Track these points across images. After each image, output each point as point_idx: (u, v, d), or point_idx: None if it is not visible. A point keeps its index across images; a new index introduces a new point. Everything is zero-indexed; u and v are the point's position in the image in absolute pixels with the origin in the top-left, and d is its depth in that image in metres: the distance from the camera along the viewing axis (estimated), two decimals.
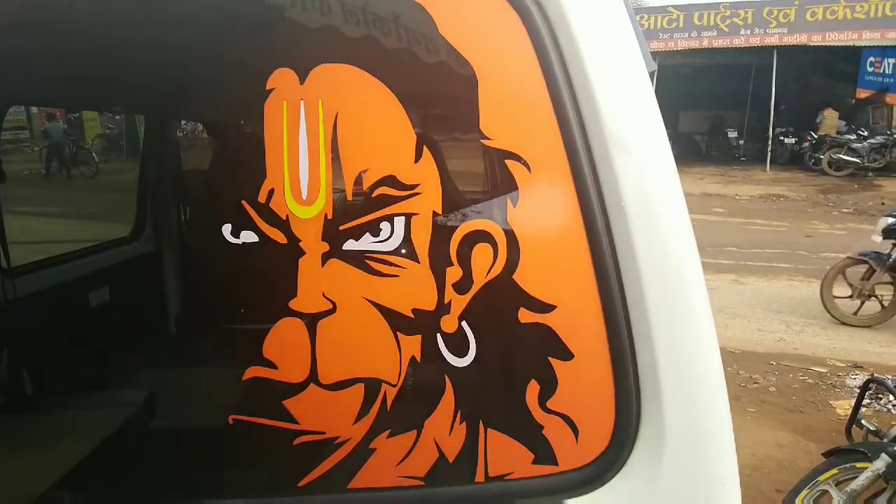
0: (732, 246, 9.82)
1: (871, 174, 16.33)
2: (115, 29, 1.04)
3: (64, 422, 1.37)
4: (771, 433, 4.56)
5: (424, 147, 0.96)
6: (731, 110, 19.09)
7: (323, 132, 0.94)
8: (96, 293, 2.51)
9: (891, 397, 4.84)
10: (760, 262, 9.09)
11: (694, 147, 20.17)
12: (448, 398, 0.98)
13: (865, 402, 4.84)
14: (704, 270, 1.02)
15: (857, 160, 16.29)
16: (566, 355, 0.96)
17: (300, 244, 0.96)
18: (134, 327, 1.96)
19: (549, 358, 0.96)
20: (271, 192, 0.94)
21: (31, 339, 1.67)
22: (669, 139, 1.00)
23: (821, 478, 3.28)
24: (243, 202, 0.95)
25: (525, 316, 0.96)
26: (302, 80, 0.94)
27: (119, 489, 1.03)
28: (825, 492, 3.25)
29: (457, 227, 0.97)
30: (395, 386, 0.98)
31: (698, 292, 0.98)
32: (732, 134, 19.52)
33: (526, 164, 0.95)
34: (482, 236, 0.96)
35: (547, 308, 0.95)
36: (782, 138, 18.03)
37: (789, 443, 4.45)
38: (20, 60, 1.23)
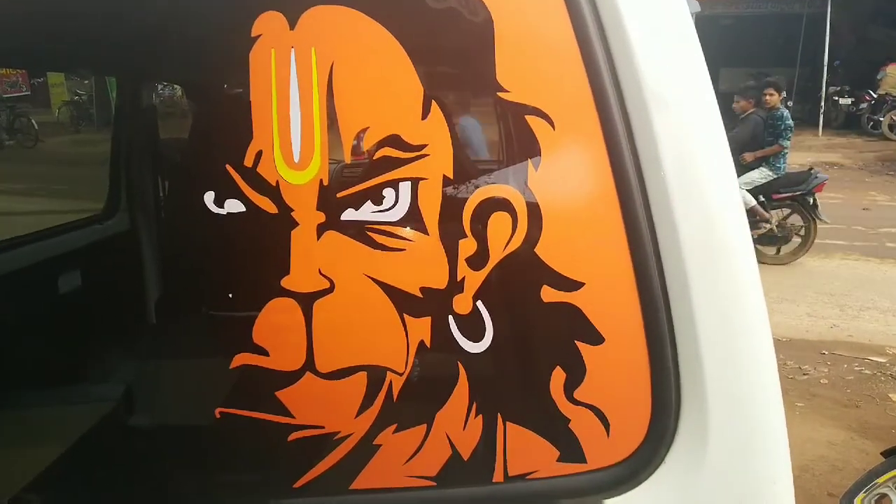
0: None
1: None
2: None
3: (35, 419, 1.38)
4: (822, 430, 4.57)
5: (433, 102, 0.95)
6: (778, 67, 18.79)
7: (317, 85, 0.93)
8: (66, 277, 2.53)
9: None
10: None
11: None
12: (462, 388, 0.98)
13: None
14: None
15: None
16: (596, 339, 0.96)
17: (292, 214, 0.95)
18: (109, 314, 1.98)
19: (577, 342, 0.96)
20: (259, 154, 0.94)
21: None
22: None
23: (879, 479, 3.28)
24: (227, 167, 0.94)
25: (549, 294, 0.95)
26: (292, 25, 0.93)
27: (94, 492, 1.04)
28: (884, 495, 3.25)
29: (470, 193, 0.96)
30: (401, 375, 0.98)
31: (746, 266, 0.97)
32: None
33: (549, 121, 0.93)
34: (500, 204, 0.95)
35: (574, 285, 0.95)
36: (837, 98, 17.82)
37: (843, 441, 4.46)
38: None
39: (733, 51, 19.16)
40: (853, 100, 17.98)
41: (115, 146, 2.99)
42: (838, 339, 6.01)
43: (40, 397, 1.42)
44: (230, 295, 1.03)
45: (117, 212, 2.98)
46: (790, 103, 17.82)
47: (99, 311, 2.16)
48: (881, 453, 3.47)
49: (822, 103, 17.49)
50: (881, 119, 16.59)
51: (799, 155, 15.48)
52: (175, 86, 3.40)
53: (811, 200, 7.86)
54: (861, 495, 3.31)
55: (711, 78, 0.97)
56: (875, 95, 17.27)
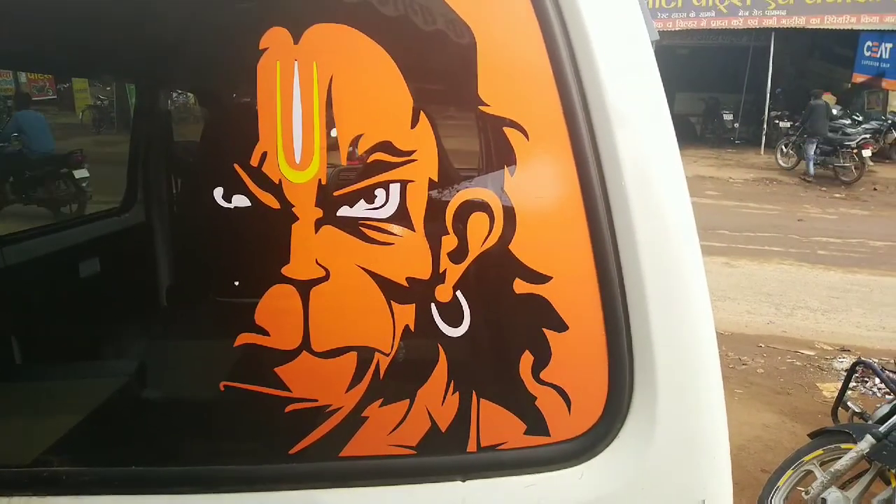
0: (724, 229, 9.86)
1: None
2: None
3: (55, 390, 1.36)
4: (758, 414, 4.62)
5: (421, 112, 0.94)
6: (726, 93, 19.04)
7: (317, 94, 0.92)
8: (87, 263, 2.49)
9: (877, 380, 4.91)
10: (752, 245, 9.14)
11: (689, 129, 20.11)
12: (441, 368, 0.97)
13: (852, 385, 4.90)
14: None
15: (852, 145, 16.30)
16: (561, 326, 0.96)
17: (293, 210, 0.94)
18: (125, 297, 1.95)
19: (544, 329, 0.96)
20: (264, 155, 0.93)
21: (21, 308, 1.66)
22: None
23: (806, 458, 3.33)
24: (235, 165, 0.93)
25: (520, 286, 0.95)
26: (296, 40, 0.92)
27: (110, 455, 1.03)
28: (809, 472, 3.30)
29: (453, 195, 0.95)
30: (388, 355, 0.97)
31: (694, 266, 0.98)
32: (728, 116, 19.48)
33: (524, 133, 0.93)
34: (478, 205, 0.95)
35: (542, 279, 0.95)
36: (777, 122, 18.00)
37: (776, 424, 4.51)
38: (9, 25, 1.20)
39: (688, 77, 19.27)
40: (792, 123, 18.19)
41: (133, 147, 2.95)
42: (773, 334, 6.08)
43: (61, 370, 1.40)
44: (236, 281, 1.02)
45: (134, 205, 2.94)
46: (737, 124, 18.04)
47: (116, 294, 2.13)
48: (808, 435, 3.51)
49: (765, 125, 17.68)
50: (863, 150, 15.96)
51: (742, 171, 15.64)
52: (188, 93, 3.36)
53: None
54: (789, 471, 3.35)
55: (668, 100, 0.98)
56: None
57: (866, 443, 3.01)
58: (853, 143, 13.98)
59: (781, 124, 17.91)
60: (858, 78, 17.81)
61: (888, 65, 16.85)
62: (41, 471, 0.97)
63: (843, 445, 3.20)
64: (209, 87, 1.53)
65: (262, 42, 0.91)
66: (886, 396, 4.66)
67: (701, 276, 0.99)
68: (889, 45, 16.78)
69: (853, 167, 13.96)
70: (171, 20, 1.03)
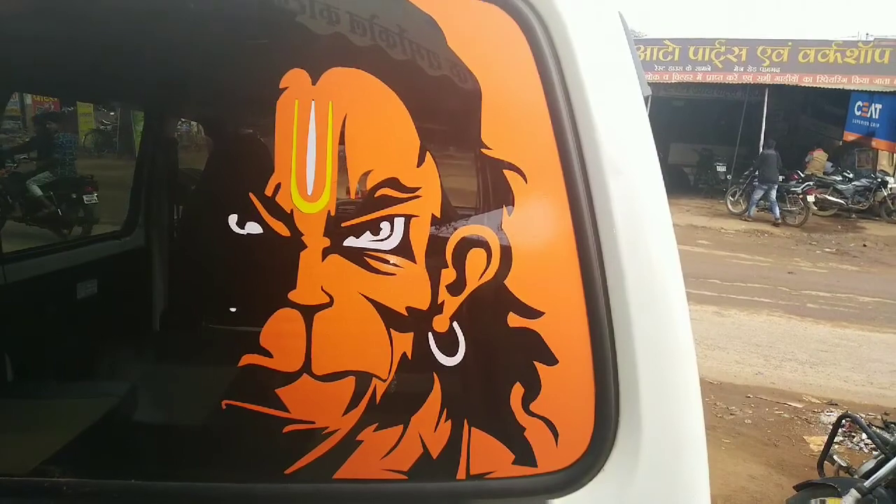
0: (716, 278, 9.95)
1: (854, 216, 16.65)
2: (141, 28, 1.08)
3: (55, 407, 1.38)
4: (744, 465, 4.61)
5: (427, 153, 1.00)
6: (720, 145, 19.41)
7: (331, 132, 0.98)
8: (84, 285, 2.52)
9: (863, 435, 4.92)
10: (742, 295, 9.21)
11: (682, 179, 20.42)
12: (435, 396, 1.01)
13: (839, 439, 4.92)
14: (687, 301, 1.07)
15: (842, 201, 16.60)
16: (551, 360, 1.00)
17: (302, 238, 0.99)
18: (122, 319, 1.98)
19: (535, 362, 1.00)
20: (278, 186, 0.98)
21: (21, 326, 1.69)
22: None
23: None
24: (250, 194, 0.99)
25: (514, 320, 1.00)
26: (314, 81, 0.98)
27: (110, 469, 1.05)
28: None
29: (453, 231, 1.01)
30: (384, 381, 1.01)
31: (680, 308, 1.03)
32: (721, 168, 19.82)
33: (523, 176, 0.99)
34: (477, 241, 1.00)
35: (535, 314, 1.00)
36: None
37: (762, 475, 4.50)
38: (31, 48, 1.27)
39: (682, 129, 19.68)
40: (784, 178, 18.53)
41: (137, 172, 3.02)
42: (762, 385, 6.09)
43: (64, 388, 1.42)
44: (244, 302, 1.06)
45: (135, 229, 2.99)
46: (730, 176, 18.32)
47: (114, 317, 2.16)
48: (794, 487, 3.52)
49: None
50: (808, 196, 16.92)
51: (734, 222, 15.84)
52: (194, 123, 3.45)
53: None
54: None
55: (663, 151, 1.05)
56: (802, 175, 17.79)
57: (851, 497, 3.02)
58: (799, 190, 15.54)
59: None
60: (849, 136, 18.23)
61: (878, 125, 17.28)
62: (42, 481, 0.99)
63: (829, 500, 3.20)
64: (224, 120, 1.60)
65: (282, 82, 0.98)
66: (873, 452, 4.67)
67: (685, 318, 1.04)
68: (878, 106, 17.24)
69: (798, 210, 15.50)
70: (197, 59, 1.11)
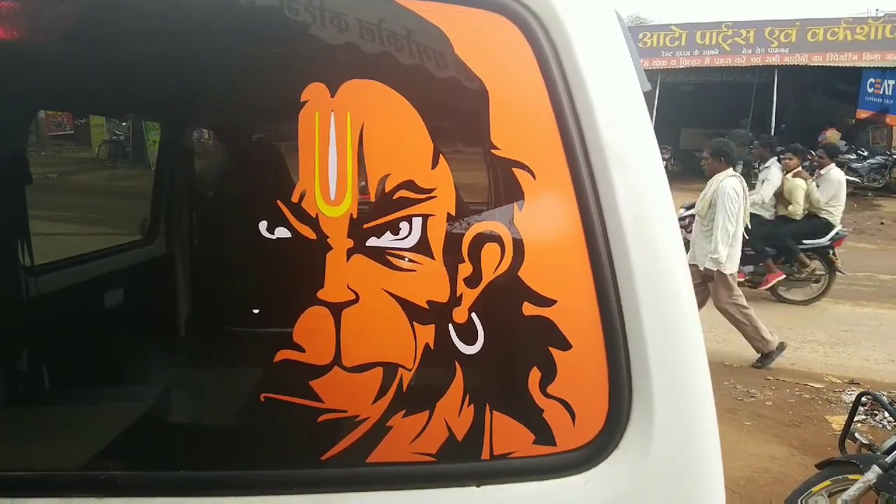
0: None
1: (870, 194, 16.51)
2: (173, 50, 1.16)
3: (98, 411, 1.46)
4: (766, 446, 4.63)
5: (440, 155, 1.06)
6: (731, 128, 19.29)
7: (350, 140, 1.05)
8: (111, 293, 2.62)
9: (885, 413, 4.92)
10: None
11: (695, 164, 20.31)
12: (458, 382, 1.07)
13: (861, 417, 4.93)
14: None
15: (857, 180, 16.46)
16: (565, 345, 1.06)
17: (328, 240, 1.06)
18: (157, 323, 2.08)
19: (550, 348, 1.06)
20: (303, 193, 1.05)
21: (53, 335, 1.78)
22: (670, 156, 1.11)
23: (814, 489, 3.35)
24: (278, 202, 1.06)
25: (528, 309, 1.06)
26: (332, 94, 1.05)
27: (161, 460, 1.13)
28: (818, 503, 3.32)
29: (468, 227, 1.07)
30: (410, 370, 1.07)
31: (685, 291, 1.09)
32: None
33: (531, 173, 1.06)
34: (491, 237, 1.06)
35: (548, 302, 1.06)
36: (782, 157, 18.18)
37: (784, 456, 4.52)
38: (55, 66, 1.34)
39: (692, 114, 19.58)
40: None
41: (157, 182, 3.11)
42: (782, 366, 6.09)
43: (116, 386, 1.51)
44: (276, 302, 1.13)
45: (157, 237, 3.09)
46: (747, 157, 18.21)
47: (142, 323, 2.25)
48: (816, 465, 3.54)
49: None
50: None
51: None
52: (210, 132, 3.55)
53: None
54: (798, 502, 3.37)
55: (674, 137, 1.10)
56: (816, 154, 17.62)
57: (873, 473, 3.05)
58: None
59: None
60: (862, 114, 18.04)
61: (891, 101, 17.08)
62: (99, 474, 1.07)
63: (851, 476, 3.23)
64: (243, 130, 1.68)
65: (303, 95, 1.04)
66: (895, 429, 4.68)
67: (691, 300, 1.10)
68: (892, 82, 17.03)
69: None
70: (226, 75, 1.18)
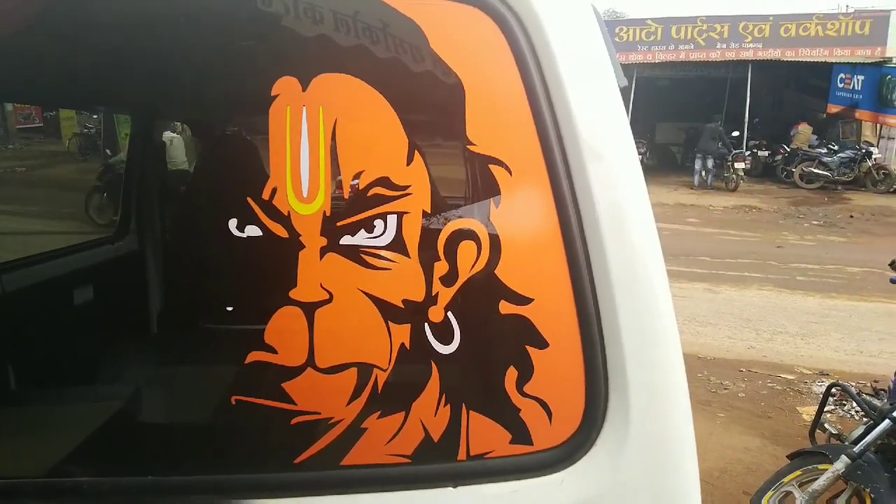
0: (705, 255, 10.07)
1: (840, 187, 16.84)
2: (148, 46, 1.12)
3: (64, 412, 1.43)
4: (739, 437, 4.71)
5: (416, 151, 1.05)
6: (706, 122, 19.53)
7: (323, 136, 1.02)
8: (81, 290, 2.56)
9: (854, 403, 5.04)
10: (732, 271, 9.33)
11: (670, 157, 20.54)
12: (434, 382, 1.06)
13: (831, 408, 5.04)
14: (678, 279, 1.13)
15: (828, 174, 16.80)
16: (542, 344, 1.05)
17: (300, 238, 1.04)
18: (128, 321, 2.03)
19: (526, 346, 1.05)
20: (275, 189, 1.03)
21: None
22: (646, 150, 1.11)
23: (785, 479, 3.42)
24: (248, 199, 1.03)
25: (505, 307, 1.05)
26: (304, 88, 1.02)
27: (127, 465, 1.10)
28: (789, 493, 3.38)
29: (444, 225, 1.05)
30: (385, 370, 1.06)
31: (662, 288, 1.09)
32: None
33: (508, 169, 1.04)
34: (467, 234, 1.05)
35: (525, 301, 1.05)
36: (756, 151, 18.49)
37: (757, 447, 4.60)
38: (17, 59, 1.30)
39: (668, 108, 19.77)
40: (770, 152, 18.69)
41: (127, 176, 3.04)
42: (754, 358, 6.20)
43: (80, 391, 1.47)
44: (247, 302, 1.11)
45: (127, 233, 3.03)
46: (719, 152, 18.49)
47: (112, 320, 2.21)
48: (787, 456, 3.61)
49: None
50: (793, 170, 17.45)
51: (723, 199, 15.99)
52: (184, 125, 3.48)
53: None
54: (770, 493, 3.43)
55: (650, 131, 1.10)
56: (788, 149, 17.97)
57: (842, 463, 3.11)
58: (729, 158, 17.07)
59: (760, 153, 18.40)
60: (833, 109, 18.38)
61: (860, 96, 17.43)
62: (64, 481, 1.04)
63: (821, 466, 3.29)
64: (223, 130, 1.64)
65: (273, 89, 1.02)
66: (863, 419, 4.79)
67: (667, 297, 1.10)
68: (861, 77, 17.38)
69: (733, 175, 17.03)
70: (190, 71, 1.15)
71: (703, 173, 17.53)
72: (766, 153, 18.62)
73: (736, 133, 17.89)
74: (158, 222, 2.93)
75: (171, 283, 2.42)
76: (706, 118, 18.24)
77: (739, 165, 16.97)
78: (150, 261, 2.87)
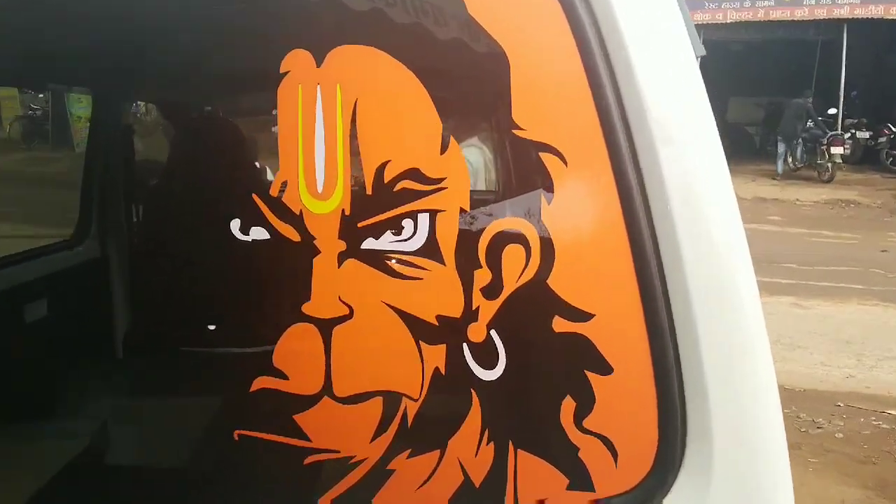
0: (792, 262, 9.98)
1: None
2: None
3: (14, 452, 1.47)
4: (837, 488, 4.66)
5: (451, 138, 1.07)
6: (790, 97, 19.31)
7: (341, 120, 1.06)
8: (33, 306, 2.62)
9: None
10: (826, 281, 9.24)
11: (746, 141, 20.36)
12: (475, 415, 1.09)
13: None
14: (758, 291, 1.13)
15: None
16: (605, 369, 1.07)
17: (315, 242, 1.07)
18: (87, 342, 2.08)
19: (586, 371, 1.07)
20: (284, 184, 1.06)
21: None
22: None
23: None
24: (254, 196, 1.07)
25: (560, 325, 1.07)
26: (319, 63, 1.06)
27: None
28: None
29: (486, 225, 1.08)
30: (416, 400, 1.09)
31: (750, 299, 1.10)
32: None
33: (562, 158, 1.07)
34: (514, 236, 1.08)
35: (584, 316, 1.07)
36: (854, 132, 18.24)
37: (858, 500, 4.55)
38: None
39: (743, 79, 19.58)
40: (871, 133, 18.37)
41: (87, 168, 3.10)
42: (854, 390, 6.12)
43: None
44: (253, 318, 1.14)
45: (88, 236, 3.09)
46: (805, 134, 18.33)
47: (69, 342, 2.26)
48: None
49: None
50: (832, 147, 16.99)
51: (813, 191, 15.84)
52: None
53: None
54: None
55: (720, 108, 1.11)
56: (895, 129, 17.68)
57: None
58: (824, 141, 16.62)
59: (859, 135, 18.14)
60: None
61: None
62: None
63: None
64: (225, 115, 1.68)
65: (283, 65, 1.05)
66: None
67: (758, 310, 1.11)
68: None
69: (827, 163, 16.59)
70: (178, 42, 1.19)
71: (789, 159, 17.38)
72: (866, 135, 18.35)
73: (832, 110, 17.60)
74: (126, 223, 3.00)
75: (143, 297, 2.48)
76: (790, 92, 18.06)
77: (836, 150, 16.61)
78: (115, 269, 2.93)
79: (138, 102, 3.02)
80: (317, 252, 1.07)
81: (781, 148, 17.46)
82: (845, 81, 17.57)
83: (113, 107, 2.95)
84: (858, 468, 4.92)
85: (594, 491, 1.10)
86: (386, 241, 1.08)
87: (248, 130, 1.43)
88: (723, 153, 1.13)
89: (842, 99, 17.68)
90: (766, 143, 20.06)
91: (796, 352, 6.53)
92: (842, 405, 5.82)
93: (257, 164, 1.12)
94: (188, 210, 1.44)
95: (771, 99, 20.13)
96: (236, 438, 1.09)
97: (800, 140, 17.26)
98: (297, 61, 1.06)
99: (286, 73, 1.06)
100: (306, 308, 1.07)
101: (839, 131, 17.31)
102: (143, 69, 1.86)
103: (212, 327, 1.14)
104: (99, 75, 2.65)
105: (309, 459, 1.08)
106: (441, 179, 1.08)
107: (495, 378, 1.09)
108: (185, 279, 1.25)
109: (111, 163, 3.02)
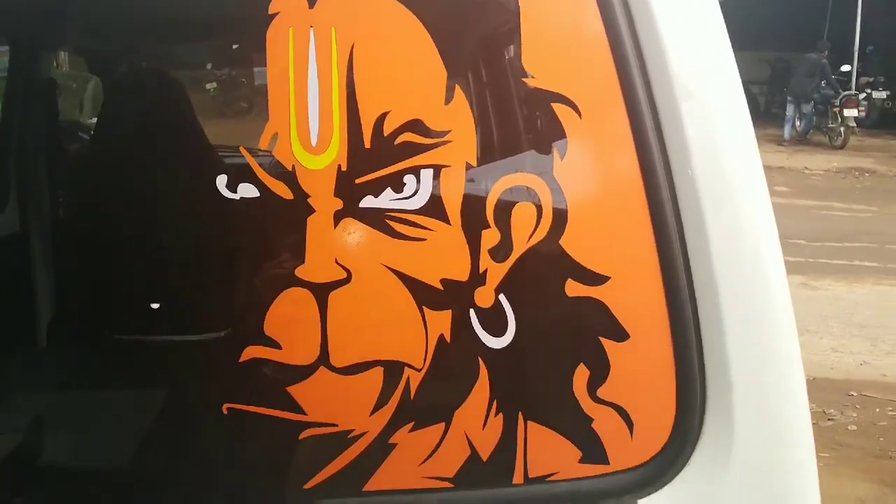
0: (800, 237, 10.12)
1: None
2: None
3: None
4: (851, 483, 4.80)
5: (457, 87, 1.13)
6: (799, 52, 19.53)
7: (336, 66, 1.10)
8: None
9: None
10: (838, 259, 9.39)
11: (750, 101, 20.33)
12: (482, 385, 1.15)
13: None
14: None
15: None
16: (620, 335, 1.15)
17: (308, 200, 1.11)
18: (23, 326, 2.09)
19: (601, 338, 1.15)
20: (275, 137, 1.11)
21: None
22: None
23: None
24: (241, 149, 1.11)
25: (573, 288, 1.14)
26: (311, 4, 1.10)
27: (101, 490, 1.19)
28: None
29: (494, 182, 1.14)
30: (419, 370, 1.15)
31: (774, 263, 1.18)
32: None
33: (576, 109, 1.13)
34: (524, 193, 1.14)
35: (599, 279, 1.14)
36: (869, 91, 18.42)
37: (875, 497, 4.70)
38: None
39: (746, 32, 19.61)
40: (889, 93, 18.54)
41: (2, 129, 3.08)
42: (869, 378, 6.24)
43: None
44: (242, 283, 1.19)
45: (6, 206, 3.07)
46: (816, 95, 18.57)
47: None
48: None
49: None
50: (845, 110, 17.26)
51: (824, 158, 16.08)
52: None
53: None
54: None
55: None
56: None
57: None
58: (836, 102, 16.66)
59: (875, 94, 18.35)
60: None
61: None
62: None
63: None
64: (212, 62, 1.71)
65: (272, 5, 1.10)
66: None
67: (782, 276, 1.19)
68: None
69: (840, 126, 16.70)
70: None
71: (798, 122, 17.56)
72: (883, 95, 18.57)
73: (846, 67, 17.61)
74: (51, 190, 2.99)
75: (77, 276, 2.49)
76: (798, 46, 18.21)
77: (850, 113, 16.78)
78: (38, 244, 2.93)
79: (66, 51, 3.00)
80: (311, 211, 1.12)
81: (790, 110, 17.62)
82: (860, 35, 17.76)
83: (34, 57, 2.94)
84: (874, 463, 5.05)
85: (608, 464, 1.18)
86: (386, 199, 1.13)
87: (227, 85, 1.47)
88: (747, 109, 1.21)
89: (856, 54, 17.86)
90: (772, 105, 20.26)
91: (805, 337, 6.66)
92: (855, 394, 5.96)
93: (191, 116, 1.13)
94: (132, 174, 1.47)
95: (778, 54, 20.27)
96: (225, 412, 1.15)
97: (811, 101, 17.36)
98: (287, 1, 1.10)
99: (275, 15, 1.10)
100: (300, 272, 1.12)
101: (853, 91, 17.39)
102: (74, 10, 1.87)
103: (155, 305, 1.17)
104: (16, 19, 2.64)
105: (304, 434, 1.13)
106: (446, 132, 1.13)
107: (504, 346, 1.15)
108: (197, 238, 1.28)
109: (31, 121, 3.01)
